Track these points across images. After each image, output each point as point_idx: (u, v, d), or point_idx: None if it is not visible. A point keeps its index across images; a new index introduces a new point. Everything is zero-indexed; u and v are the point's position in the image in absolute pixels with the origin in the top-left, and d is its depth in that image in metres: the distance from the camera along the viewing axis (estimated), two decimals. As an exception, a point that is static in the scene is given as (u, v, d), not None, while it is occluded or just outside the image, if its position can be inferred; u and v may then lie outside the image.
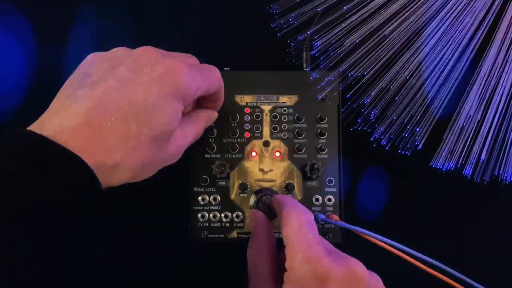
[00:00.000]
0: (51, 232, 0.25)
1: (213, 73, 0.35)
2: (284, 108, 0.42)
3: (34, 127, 0.28)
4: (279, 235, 0.38)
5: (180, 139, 0.33)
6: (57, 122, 0.27)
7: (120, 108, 0.28)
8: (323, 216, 0.37)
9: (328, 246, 0.32)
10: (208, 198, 0.40)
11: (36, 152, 0.26)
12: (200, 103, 0.37)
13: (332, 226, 0.39)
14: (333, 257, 0.29)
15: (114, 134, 0.28)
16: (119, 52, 0.32)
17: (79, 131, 0.27)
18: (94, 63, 0.31)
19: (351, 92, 0.43)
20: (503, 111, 0.44)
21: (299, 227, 0.30)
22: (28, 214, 0.24)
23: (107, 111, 0.28)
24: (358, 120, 0.43)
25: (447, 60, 0.44)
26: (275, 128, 0.41)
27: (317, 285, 0.28)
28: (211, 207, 0.40)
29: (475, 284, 0.35)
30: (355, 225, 0.34)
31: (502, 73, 0.44)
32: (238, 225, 0.40)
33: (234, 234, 0.40)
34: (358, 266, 0.29)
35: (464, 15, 0.44)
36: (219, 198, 0.40)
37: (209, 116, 0.38)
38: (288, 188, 0.40)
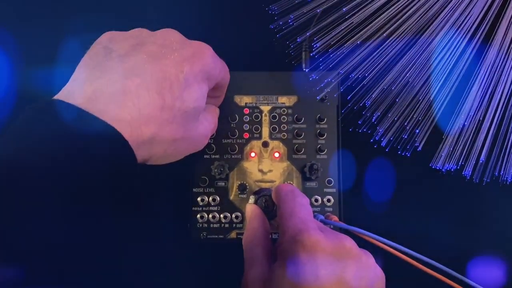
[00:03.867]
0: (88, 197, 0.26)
1: (226, 65, 0.36)
2: (283, 109, 0.42)
3: (61, 96, 0.27)
4: (274, 236, 0.39)
5: (206, 122, 0.35)
6: (91, 90, 0.27)
7: (155, 79, 0.28)
8: (322, 217, 0.37)
9: (320, 225, 0.32)
10: (207, 199, 0.40)
11: (76, 124, 0.26)
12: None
13: (332, 226, 0.39)
14: (324, 232, 0.30)
15: (150, 104, 0.28)
16: (141, 31, 0.32)
17: (116, 98, 0.27)
18: (114, 39, 0.31)
19: (352, 94, 0.43)
20: (503, 111, 0.44)
21: (292, 207, 0.32)
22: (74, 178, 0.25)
23: (143, 81, 0.28)
24: (359, 122, 0.43)
25: (447, 60, 0.44)
26: (274, 129, 0.41)
27: (306, 256, 0.28)
28: (210, 208, 0.40)
29: (475, 285, 0.34)
30: (355, 225, 0.34)
31: (501, 72, 0.44)
32: (237, 225, 0.40)
33: (233, 234, 0.40)
34: (347, 240, 0.30)
35: (465, 15, 0.44)
36: (218, 199, 0.40)
37: (216, 111, 0.39)
38: (288, 189, 0.40)
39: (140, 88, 0.28)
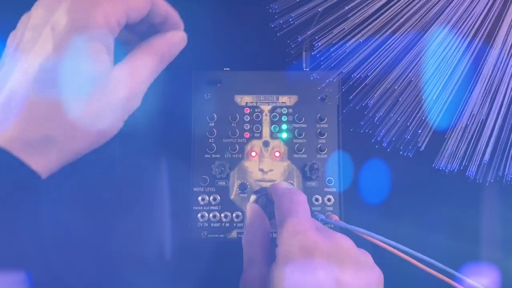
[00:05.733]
0: None
1: None
2: (284, 108, 0.42)
3: None
4: (274, 235, 0.39)
5: (128, 78, 0.28)
6: None
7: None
8: (322, 216, 0.37)
9: (318, 225, 0.32)
10: (208, 198, 0.40)
11: None
12: (155, 27, 0.32)
13: (332, 226, 0.39)
14: (321, 232, 0.30)
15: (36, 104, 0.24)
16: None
17: None
18: None
19: (354, 93, 0.43)
20: (506, 110, 0.43)
21: (290, 206, 0.31)
22: None
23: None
24: (361, 123, 0.43)
25: (449, 60, 0.44)
26: (275, 128, 0.41)
27: (304, 257, 0.28)
28: (211, 207, 0.40)
29: (476, 285, 0.34)
30: (355, 225, 0.34)
31: (504, 72, 0.44)
32: (238, 225, 0.40)
33: (233, 234, 0.40)
34: (345, 240, 0.29)
35: (467, 14, 0.44)
36: (219, 198, 0.40)
37: (169, 40, 0.31)
38: (288, 188, 0.40)
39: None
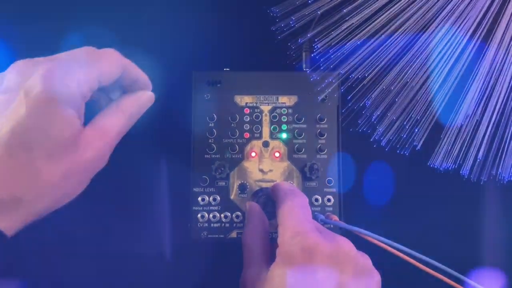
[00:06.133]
0: None
1: (102, 58, 0.29)
2: (284, 109, 0.42)
3: None
4: (274, 235, 0.39)
5: (97, 139, 0.28)
6: None
7: None
8: (322, 217, 0.37)
9: (318, 226, 0.33)
10: (207, 199, 0.40)
11: None
12: (124, 88, 0.32)
13: (332, 226, 0.39)
14: (322, 234, 0.30)
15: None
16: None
17: None
18: None
19: (352, 94, 0.43)
20: (501, 110, 0.44)
21: (292, 207, 0.32)
22: None
23: None
24: (359, 122, 0.44)
25: (446, 60, 0.44)
26: (274, 129, 0.41)
27: (305, 258, 0.28)
28: (211, 208, 0.40)
29: (474, 284, 0.35)
30: (355, 225, 0.35)
31: (500, 71, 0.44)
32: (238, 225, 0.40)
33: (233, 234, 0.40)
34: (345, 243, 0.30)
35: (463, 16, 0.44)
36: (219, 199, 0.40)
37: (137, 100, 0.32)
38: (288, 189, 0.40)
39: None
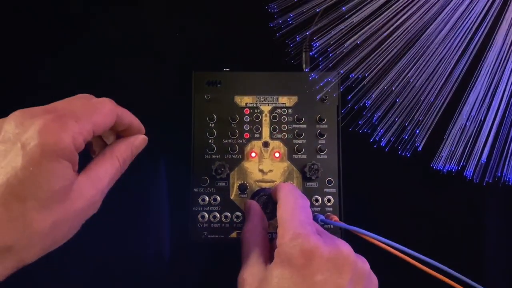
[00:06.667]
0: None
1: (97, 110, 0.30)
2: (284, 109, 0.42)
3: None
4: (274, 235, 0.39)
5: (89, 188, 0.28)
6: None
7: None
8: (322, 217, 0.37)
9: (319, 228, 0.33)
10: (208, 199, 0.40)
11: None
12: (118, 133, 0.34)
13: (332, 226, 0.39)
14: (322, 237, 0.30)
15: None
16: None
17: None
18: None
19: (352, 94, 0.43)
20: (504, 111, 0.44)
21: (292, 209, 0.32)
22: None
23: None
24: (359, 123, 0.43)
25: (448, 60, 0.44)
26: (274, 129, 0.41)
27: (304, 260, 0.28)
28: (211, 208, 0.40)
29: (475, 285, 0.34)
30: (355, 225, 0.34)
31: (503, 72, 0.44)
32: (238, 225, 0.40)
33: (234, 234, 0.40)
34: (345, 247, 0.30)
35: (465, 15, 0.44)
36: (219, 199, 0.40)
37: (131, 145, 0.33)
38: (288, 189, 0.40)
39: None
